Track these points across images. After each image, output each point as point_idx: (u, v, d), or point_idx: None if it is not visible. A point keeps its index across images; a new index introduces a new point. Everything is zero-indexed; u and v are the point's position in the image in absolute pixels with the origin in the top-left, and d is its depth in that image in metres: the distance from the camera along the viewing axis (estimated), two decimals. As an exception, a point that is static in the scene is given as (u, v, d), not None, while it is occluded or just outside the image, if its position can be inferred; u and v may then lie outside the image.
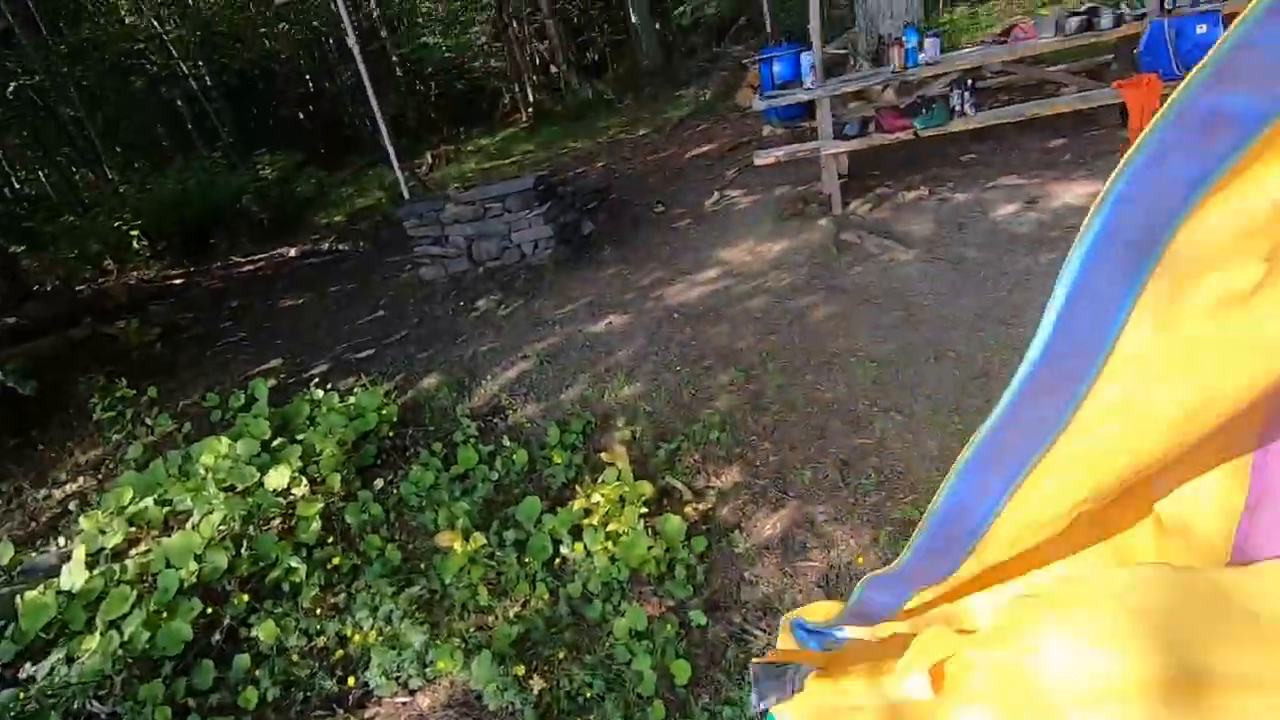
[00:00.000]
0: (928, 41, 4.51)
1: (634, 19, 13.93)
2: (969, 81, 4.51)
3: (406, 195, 5.67)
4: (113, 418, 3.72)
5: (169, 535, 2.81)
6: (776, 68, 5.45)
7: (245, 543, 2.67)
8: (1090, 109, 4.61)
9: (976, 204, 4.28)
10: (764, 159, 4.90)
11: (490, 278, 5.03)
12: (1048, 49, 4.58)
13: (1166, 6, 4.18)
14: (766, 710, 0.82)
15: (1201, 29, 3.84)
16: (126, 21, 12.19)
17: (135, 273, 8.30)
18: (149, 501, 2.94)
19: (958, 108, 4.44)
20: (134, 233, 8.19)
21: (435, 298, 5.05)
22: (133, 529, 2.91)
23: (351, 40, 5.24)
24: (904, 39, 4.44)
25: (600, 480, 2.56)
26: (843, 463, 2.46)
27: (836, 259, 4.01)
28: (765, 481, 2.49)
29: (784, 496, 2.41)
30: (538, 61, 14.29)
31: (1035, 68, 5.28)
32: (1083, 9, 4.54)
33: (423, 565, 2.56)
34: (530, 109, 13.16)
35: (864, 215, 4.54)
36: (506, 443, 3.04)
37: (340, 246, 7.60)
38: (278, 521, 2.81)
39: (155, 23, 12.04)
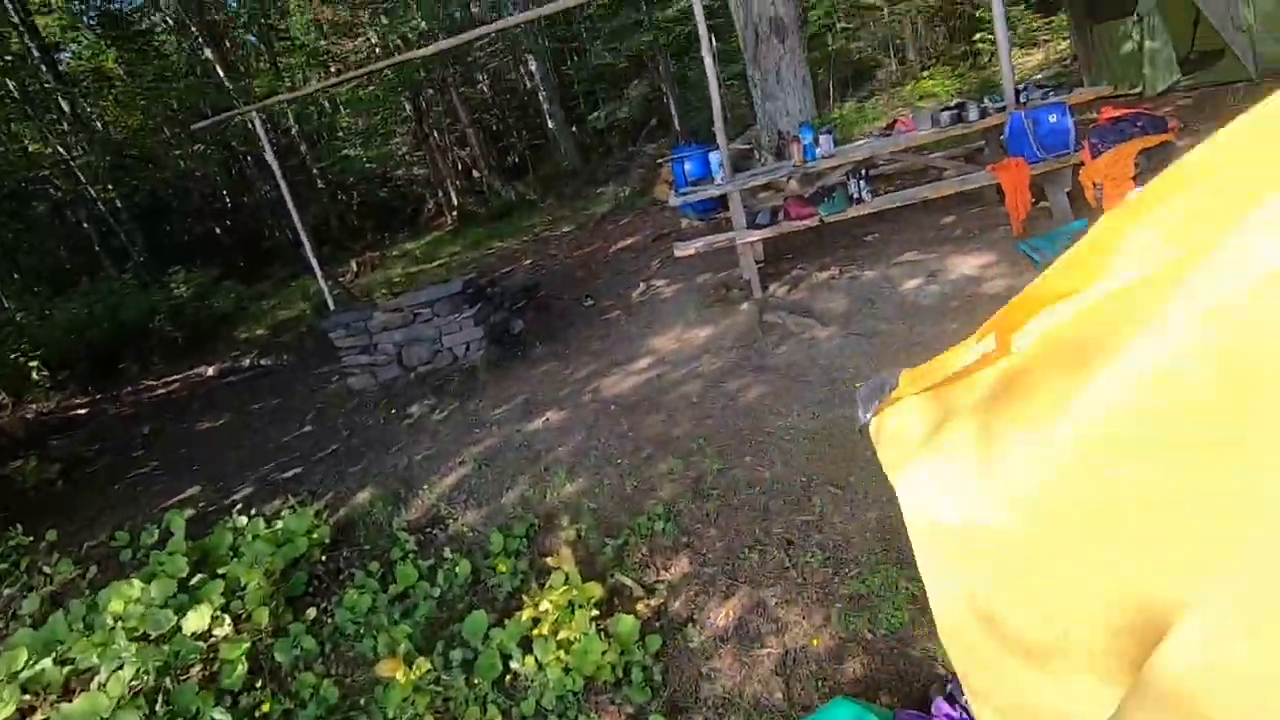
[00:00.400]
0: (823, 137, 4.93)
1: (550, 124, 14.65)
2: (863, 170, 4.93)
3: (332, 305, 5.62)
4: (5, 570, 3.38)
5: (70, 700, 2.52)
6: (688, 166, 5.81)
7: (161, 698, 2.42)
8: (971, 190, 5.10)
9: (884, 280, 4.58)
10: (684, 250, 5.14)
11: (423, 383, 4.97)
12: (928, 139, 5.08)
13: (1021, 100, 4.75)
14: (869, 421, 0.89)
15: (1053, 118, 4.36)
16: (30, 150, 11.94)
17: (34, 405, 7.76)
18: (46, 662, 2.65)
19: (855, 194, 4.83)
20: (33, 363, 7.72)
21: (366, 407, 4.93)
22: (27, 696, 2.60)
23: (270, 157, 5.30)
24: (800, 136, 4.85)
25: (548, 586, 2.49)
26: (787, 542, 2.48)
27: (762, 340, 4.18)
28: (714, 569, 2.48)
29: (734, 583, 2.40)
30: (459, 167, 14.73)
31: (919, 156, 5.82)
32: (953, 104, 5.10)
33: (363, 700, 2.38)
34: (454, 212, 13.44)
35: (783, 297, 4.78)
36: (448, 555, 2.93)
37: (263, 361, 7.37)
38: (198, 669, 2.58)
39: (61, 149, 11.84)
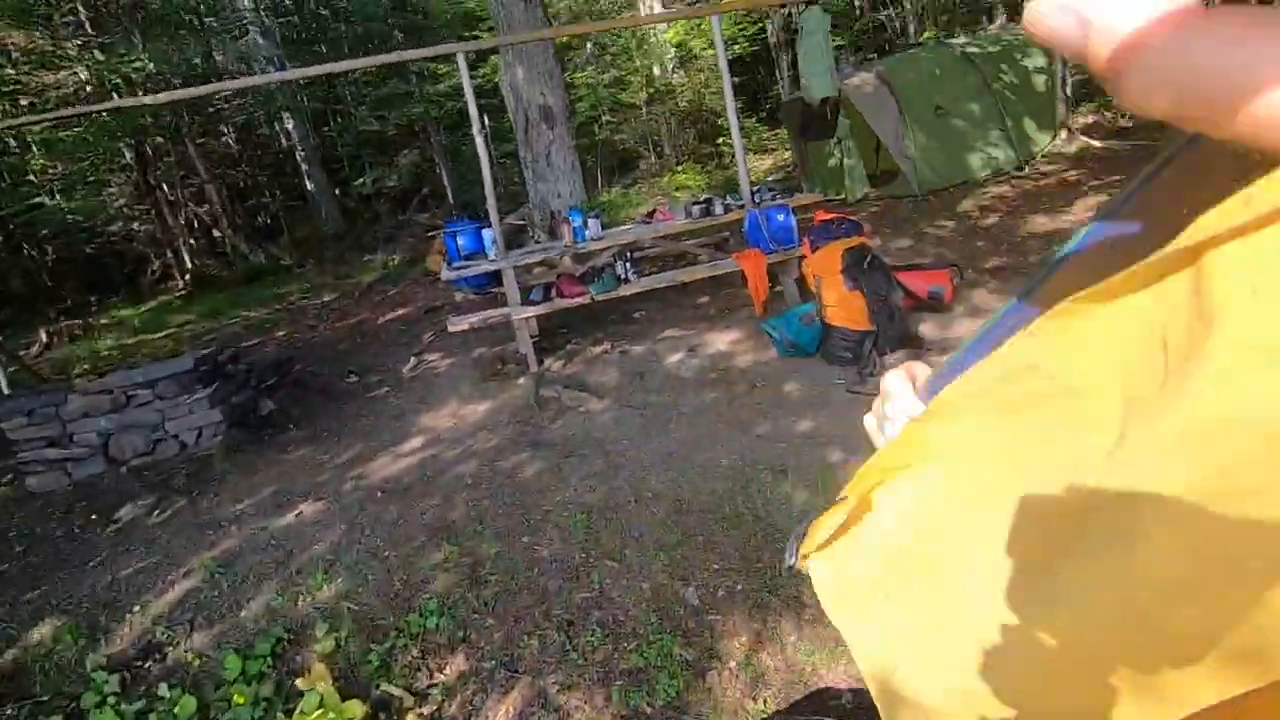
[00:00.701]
0: (591, 221, 5.24)
1: (310, 185, 13.68)
2: (629, 253, 5.31)
3: (6, 389, 4.53)
4: None
5: None
6: (461, 240, 5.79)
7: None
8: (721, 274, 5.74)
9: (651, 354, 4.91)
10: (458, 325, 5.04)
11: (137, 478, 4.16)
12: (683, 228, 5.65)
13: (756, 200, 5.52)
14: (793, 564, 0.81)
15: (781, 217, 5.14)
16: None
17: None
18: None
19: (623, 275, 5.16)
20: None
21: (51, 514, 3.98)
22: None
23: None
24: (570, 219, 5.11)
25: (298, 711, 2.16)
26: (567, 623, 2.46)
27: (538, 415, 4.20)
28: (492, 663, 2.36)
29: (514, 675, 2.30)
30: (196, 224, 13.02)
31: (676, 242, 6.44)
32: (702, 199, 5.75)
33: None
34: (188, 275, 11.77)
35: (559, 371, 4.88)
36: (165, 692, 2.42)
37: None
38: None
39: None
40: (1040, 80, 9.21)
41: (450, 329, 5.14)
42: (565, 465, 3.53)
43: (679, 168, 16.33)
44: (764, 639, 2.23)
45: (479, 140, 5.11)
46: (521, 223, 8.21)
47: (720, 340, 4.97)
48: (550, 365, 4.97)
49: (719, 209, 5.50)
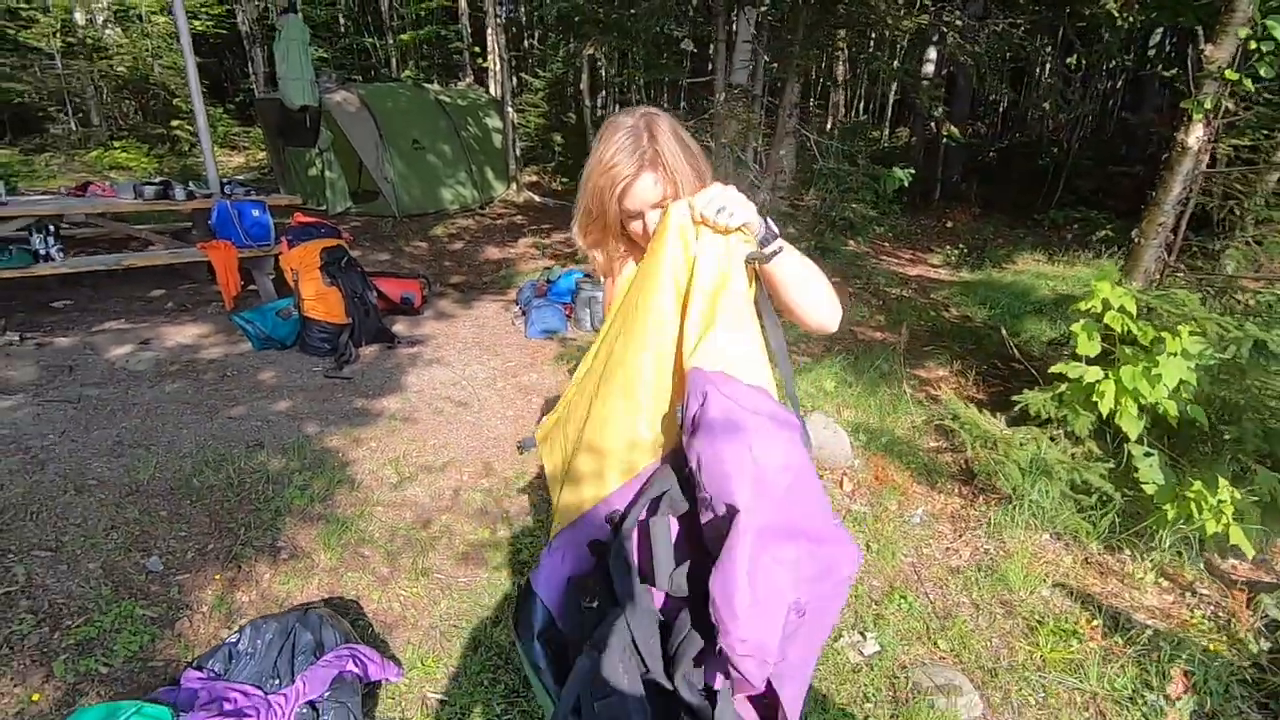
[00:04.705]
0: (-12, 181, 4.20)
1: None
2: (51, 227, 4.44)
3: None
4: None
5: None
6: None
7: None
8: (182, 266, 5.28)
9: (86, 347, 4.24)
10: None
11: None
12: (130, 209, 4.99)
13: (227, 192, 5.30)
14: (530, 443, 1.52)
15: (256, 213, 5.09)
16: None
17: None
18: None
19: (43, 252, 4.30)
20: None
21: None
22: None
23: None
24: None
25: None
26: (-20, 624, 2.13)
27: (-101, 416, 3.22)
28: None
29: (-106, 693, 1.90)
30: None
31: (121, 224, 5.59)
32: (157, 180, 5.20)
33: None
34: None
35: (-70, 365, 3.76)
36: None
37: None
38: None
39: None
40: (498, 139, 11.12)
41: None
42: (-44, 468, 2.86)
43: (116, 144, 13.53)
44: (238, 582, 2.42)
45: None
46: None
47: (181, 334, 4.62)
48: (-86, 358, 3.77)
49: (180, 194, 5.08)
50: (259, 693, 1.79)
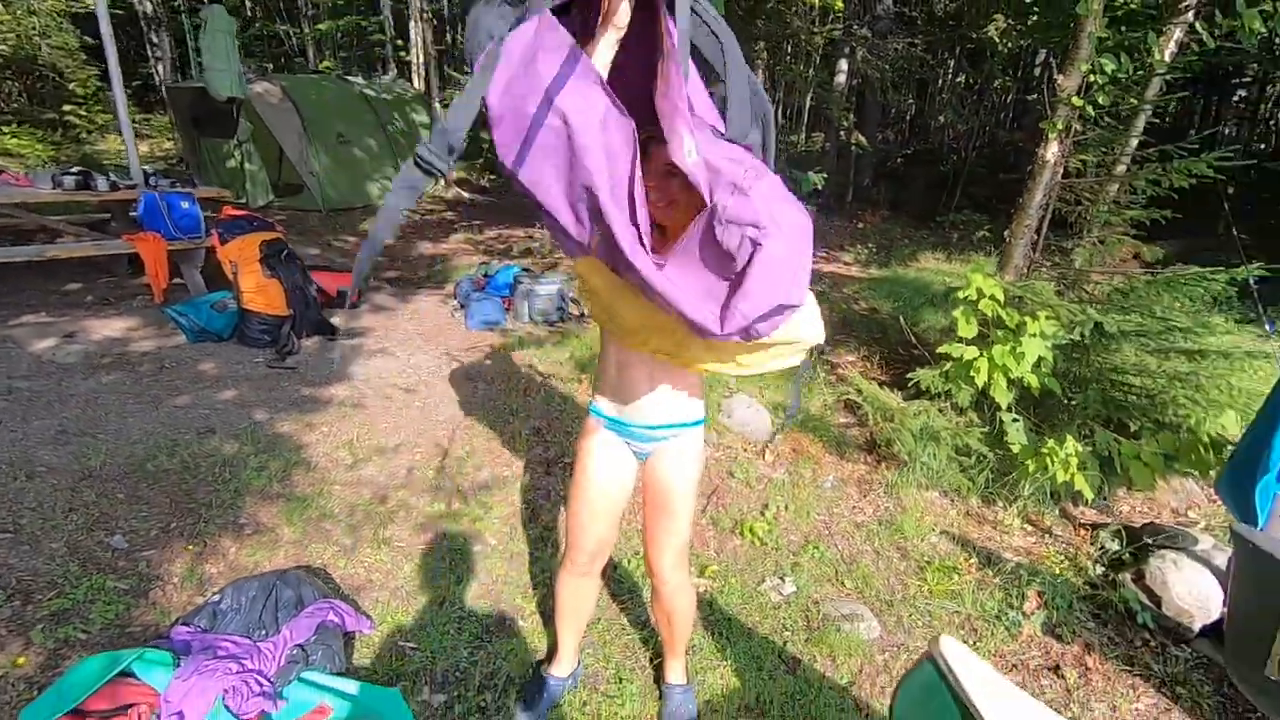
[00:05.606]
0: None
1: None
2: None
3: None
4: None
5: None
6: None
7: None
8: (102, 257, 5.16)
9: (6, 340, 4.15)
10: None
11: None
12: (47, 199, 4.85)
13: (151, 184, 5.21)
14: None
15: (185, 205, 5.03)
16: None
17: None
18: None
19: (-43, 242, 4.16)
20: None
21: None
22: None
23: None
24: None
25: None
26: (-54, 602, 2.19)
27: None
28: None
29: None
30: None
31: (33, 215, 5.38)
32: (75, 170, 5.06)
33: None
34: None
35: None
36: None
37: None
38: None
39: None
40: (425, 134, 11.08)
41: None
42: (-112, 460, 2.83)
43: (5, 129, 12.60)
44: (205, 555, 2.54)
45: None
46: None
47: (108, 327, 4.54)
48: None
49: (102, 185, 4.97)
50: (248, 641, 1.97)
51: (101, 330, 4.49)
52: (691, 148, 1.05)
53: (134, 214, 5.15)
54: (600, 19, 1.15)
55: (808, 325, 1.34)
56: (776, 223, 1.05)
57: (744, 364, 1.42)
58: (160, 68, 15.56)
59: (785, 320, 1.16)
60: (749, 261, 1.05)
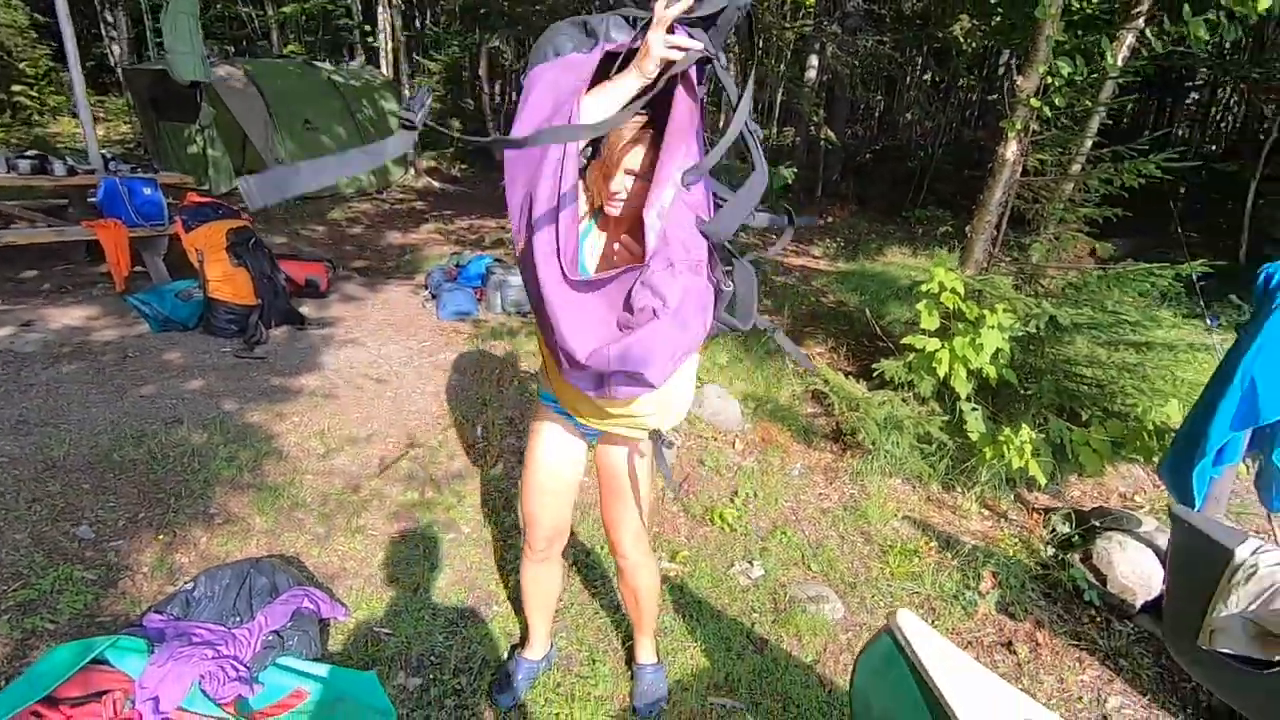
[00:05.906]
0: None
1: None
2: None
3: None
4: None
5: None
6: None
7: None
8: (59, 244, 5.02)
9: (-40, 328, 4.02)
10: None
11: None
12: (6, 183, 4.70)
13: (111, 169, 5.08)
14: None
15: (148, 190, 4.92)
16: None
17: None
18: None
19: (-94, 226, 4.02)
20: None
21: None
22: None
23: None
24: None
25: None
26: (-94, 593, 2.15)
27: None
28: None
29: None
30: None
31: (-16, 199, 5.22)
32: (31, 154, 4.92)
33: None
34: None
35: None
36: None
37: None
38: None
39: None
40: (394, 122, 10.93)
41: None
42: None
43: (-51, 109, 12.12)
44: (175, 545, 2.53)
45: None
46: None
47: (66, 316, 4.44)
48: None
49: (60, 169, 4.83)
50: (222, 628, 1.98)
51: (60, 319, 4.39)
52: (664, 208, 1.24)
53: (93, 199, 5.02)
54: (637, 58, 1.31)
55: (657, 416, 1.61)
56: (681, 316, 1.25)
57: (582, 413, 1.67)
58: (115, 48, 15.05)
59: (639, 394, 1.36)
60: (642, 325, 1.23)
